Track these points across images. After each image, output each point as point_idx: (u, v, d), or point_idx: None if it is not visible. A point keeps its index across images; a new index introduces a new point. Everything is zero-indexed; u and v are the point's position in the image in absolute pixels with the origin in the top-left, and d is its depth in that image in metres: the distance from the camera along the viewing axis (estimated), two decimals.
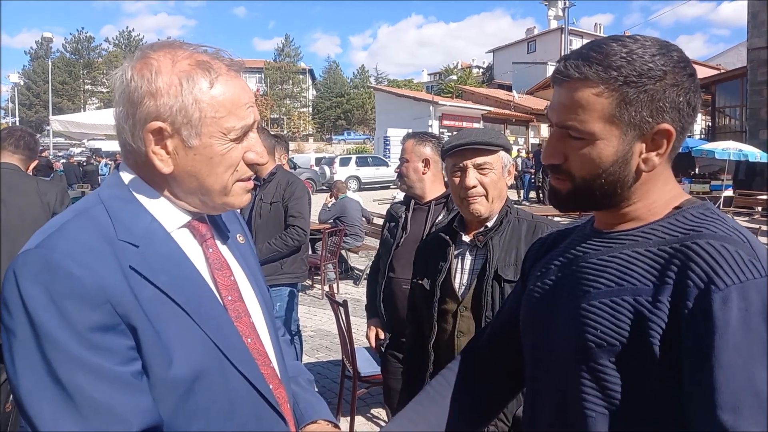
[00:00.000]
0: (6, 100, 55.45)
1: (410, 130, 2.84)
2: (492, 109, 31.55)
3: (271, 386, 1.01)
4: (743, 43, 20.65)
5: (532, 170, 18.84)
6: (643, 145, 0.88)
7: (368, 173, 24.41)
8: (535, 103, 32.83)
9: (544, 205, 16.93)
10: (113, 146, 24.01)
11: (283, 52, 63.87)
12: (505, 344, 1.15)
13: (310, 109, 64.08)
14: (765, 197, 14.36)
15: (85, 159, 22.37)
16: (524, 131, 32.46)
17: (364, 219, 8.91)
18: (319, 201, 8.44)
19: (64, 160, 21.61)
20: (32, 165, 2.97)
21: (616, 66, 0.85)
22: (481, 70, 64.10)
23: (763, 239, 8.21)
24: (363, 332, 4.52)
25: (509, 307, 1.18)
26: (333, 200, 8.79)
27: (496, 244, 1.77)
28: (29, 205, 2.73)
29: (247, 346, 0.99)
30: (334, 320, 3.97)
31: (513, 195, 18.48)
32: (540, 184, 18.47)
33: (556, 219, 6.37)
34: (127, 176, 0.98)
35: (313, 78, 69.22)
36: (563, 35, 24.34)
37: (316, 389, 1.27)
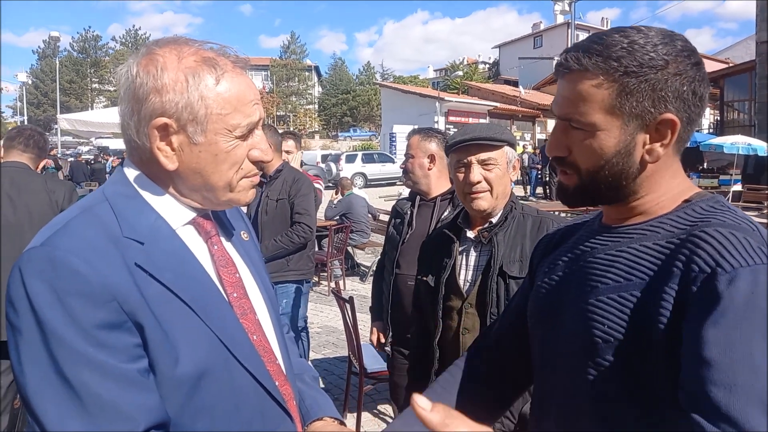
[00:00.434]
0: (14, 99, 55.78)
1: (416, 127, 2.84)
2: (498, 104, 31.44)
3: (276, 383, 1.01)
4: (752, 37, 20.46)
5: (539, 166, 18.76)
6: (647, 136, 0.87)
7: (374, 170, 24.39)
8: (541, 98, 32.66)
9: (551, 200, 16.86)
10: (121, 144, 24.09)
11: (288, 50, 63.86)
12: (513, 341, 1.14)
13: (316, 106, 64.08)
14: None
15: (92, 157, 22.46)
16: (531, 127, 32.33)
17: (370, 216, 8.91)
18: (325, 198, 8.45)
19: (72, 159, 21.72)
20: (41, 164, 2.99)
21: (615, 57, 0.85)
22: (487, 65, 63.84)
23: None
24: (369, 329, 4.55)
25: (516, 303, 1.17)
26: (339, 197, 8.79)
27: (500, 240, 1.76)
28: (38, 204, 2.75)
29: (253, 343, 0.99)
30: (340, 317, 3.97)
31: (519, 191, 18.42)
32: (547, 179, 18.40)
33: (562, 215, 6.35)
34: (131, 173, 0.98)
35: (319, 75, 69.18)
36: (570, 30, 24.19)
37: (322, 386, 1.27)
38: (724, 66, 24.03)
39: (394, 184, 23.00)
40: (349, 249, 8.35)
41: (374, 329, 2.96)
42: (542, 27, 50.29)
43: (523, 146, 22.65)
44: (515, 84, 38.65)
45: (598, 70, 0.85)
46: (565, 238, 1.08)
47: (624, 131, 0.87)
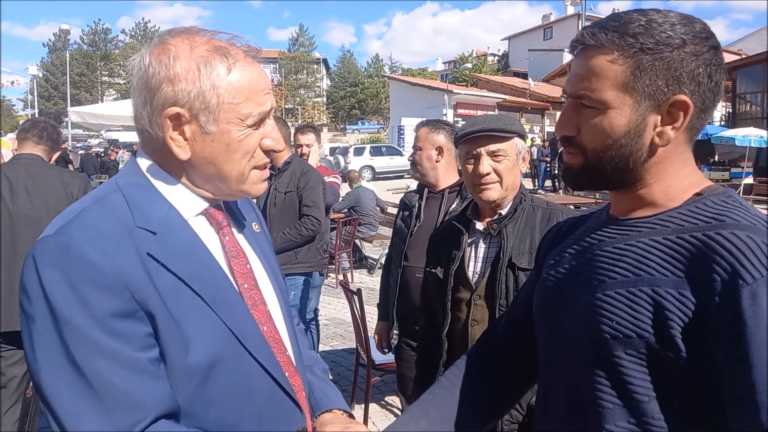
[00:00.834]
0: (25, 92, 56.19)
1: (424, 120, 2.82)
2: (507, 97, 31.27)
3: (286, 374, 1.01)
4: (765, 28, 20.16)
5: (548, 159, 18.65)
6: (658, 118, 0.85)
7: (382, 163, 24.37)
8: (551, 90, 32.44)
9: (560, 194, 16.78)
10: (131, 137, 24.20)
11: (297, 42, 63.74)
12: (520, 334, 1.13)
13: (324, 98, 64.01)
14: None
15: (102, 150, 22.56)
16: (540, 119, 32.13)
17: (378, 208, 8.91)
18: (341, 192, 8.46)
19: (82, 152, 21.84)
20: (55, 156, 3.02)
21: (632, 33, 0.83)
22: (497, 57, 63.43)
23: None
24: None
25: (524, 296, 1.16)
26: (347, 189, 8.80)
27: (510, 231, 1.75)
28: (53, 195, 2.77)
29: (263, 334, 0.99)
30: (348, 308, 3.99)
31: (528, 184, 18.33)
32: (555, 172, 18.29)
33: (572, 208, 6.31)
34: (144, 163, 0.99)
35: (328, 68, 69.04)
36: (580, 21, 23.98)
37: (331, 377, 1.28)
38: (737, 57, 23.72)
39: (402, 177, 22.96)
40: (357, 242, 8.36)
41: (377, 332, 2.96)
42: (552, 19, 49.84)
43: (532, 139, 22.53)
44: (524, 76, 38.40)
45: (613, 45, 0.84)
46: (572, 229, 1.07)
47: (635, 111, 0.85)
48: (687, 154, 0.90)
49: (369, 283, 7.44)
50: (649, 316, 0.81)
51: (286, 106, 55.63)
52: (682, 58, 0.83)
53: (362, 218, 8.16)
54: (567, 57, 37.33)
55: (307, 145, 4.13)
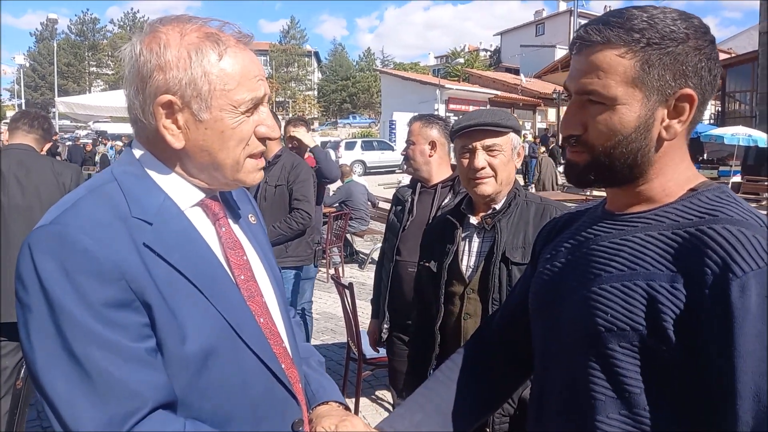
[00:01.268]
0: (12, 82, 55.40)
1: (416, 115, 2.82)
2: (499, 92, 31.33)
3: (283, 365, 1.01)
4: (755, 27, 20.35)
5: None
6: (665, 111, 0.86)
7: (374, 157, 24.34)
8: (542, 86, 32.54)
9: (550, 189, 16.84)
10: (119, 128, 23.95)
11: (288, 35, 63.39)
12: (515, 328, 1.14)
13: (316, 92, 63.77)
14: None
15: (91, 141, 22.29)
16: (531, 115, 32.24)
17: (369, 203, 8.91)
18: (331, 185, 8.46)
19: (70, 143, 21.59)
20: (46, 146, 2.99)
21: (638, 28, 0.84)
22: (489, 53, 63.49)
23: None
24: (367, 315, 4.55)
25: (520, 290, 1.17)
26: (338, 184, 8.78)
27: (504, 226, 1.76)
28: (45, 185, 2.75)
29: (260, 326, 0.99)
30: (338, 303, 3.99)
31: (518, 180, 18.35)
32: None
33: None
34: (139, 153, 0.98)
35: (319, 61, 68.75)
36: (572, 18, 24.05)
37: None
38: (727, 56, 23.92)
39: (393, 171, 22.96)
40: (348, 236, 8.35)
41: (370, 330, 2.97)
42: (544, 15, 49.95)
43: (524, 135, 22.60)
44: (516, 72, 38.46)
45: (621, 41, 0.84)
46: (567, 224, 1.08)
47: (644, 105, 0.85)
48: (685, 148, 0.92)
49: (360, 277, 7.44)
50: (643, 310, 0.82)
51: (277, 99, 55.35)
52: (687, 52, 0.84)
53: (353, 213, 8.16)
54: (559, 53, 37.49)
55: (298, 139, 4.11)
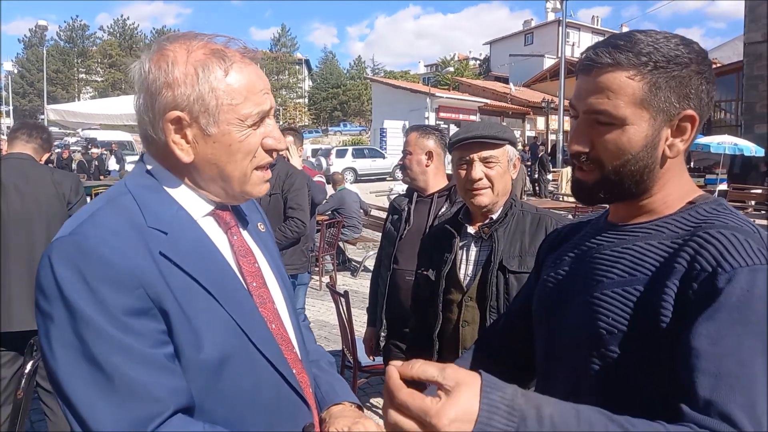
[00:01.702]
0: None
1: (407, 122, 2.88)
2: (488, 101, 31.53)
3: (294, 371, 1.04)
4: (740, 37, 20.67)
5: (528, 163, 18.87)
6: (669, 131, 0.91)
7: (365, 165, 24.39)
8: (531, 95, 32.82)
9: (540, 198, 16.99)
10: (108, 136, 23.84)
11: (279, 42, 63.55)
12: (518, 334, 1.18)
13: (306, 100, 63.82)
14: (759, 191, 14.45)
15: (81, 149, 22.08)
16: (521, 124, 32.46)
17: (362, 211, 8.93)
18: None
19: (59, 150, 21.39)
20: (44, 156, 3.00)
21: (645, 52, 0.88)
22: (478, 62, 63.91)
23: None
24: (361, 323, 4.56)
25: (524, 297, 1.21)
26: (331, 192, 8.80)
27: (501, 235, 1.81)
28: (45, 195, 2.75)
29: (271, 332, 1.02)
30: (332, 311, 4.01)
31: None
32: (536, 177, 18.52)
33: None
34: (150, 166, 1.01)
35: (309, 69, 68.88)
36: (561, 27, 24.32)
37: None
38: (713, 66, 24.21)
39: (384, 179, 23.02)
40: (341, 244, 8.37)
41: (366, 338, 3.00)
42: (533, 24, 50.45)
43: None
44: (506, 81, 38.72)
45: (630, 64, 0.88)
46: (570, 234, 1.12)
47: (651, 125, 0.90)
48: (683, 164, 0.97)
49: (353, 285, 7.45)
50: (642, 312, 0.86)
51: None
52: (690, 75, 0.89)
53: (346, 220, 8.18)
54: (547, 62, 37.85)
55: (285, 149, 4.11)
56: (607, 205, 1.04)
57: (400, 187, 14.31)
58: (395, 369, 0.67)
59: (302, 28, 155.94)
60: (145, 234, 0.91)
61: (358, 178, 22.75)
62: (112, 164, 19.66)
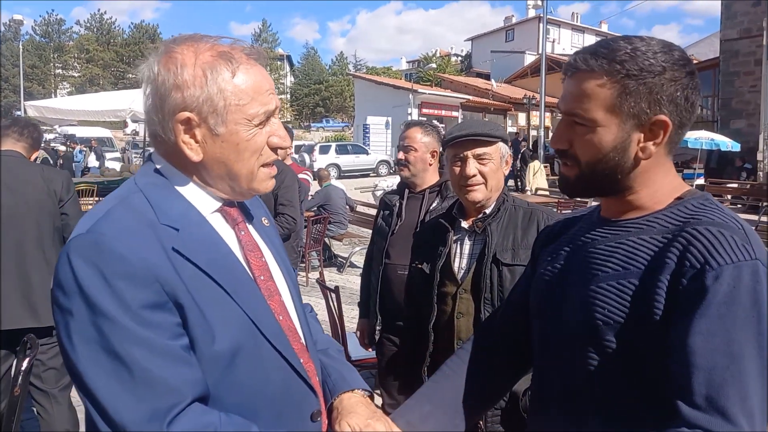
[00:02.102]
0: None
1: (390, 119, 2.89)
2: (471, 97, 31.65)
3: (301, 360, 1.08)
4: (716, 34, 21.05)
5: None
6: (641, 135, 0.97)
7: (348, 161, 24.40)
8: (513, 91, 33.02)
9: (522, 193, 17.14)
10: (87, 132, 23.49)
11: (260, 38, 62.97)
12: (516, 326, 1.23)
13: (288, 96, 63.44)
14: (735, 186, 14.79)
15: (60, 145, 21.69)
16: (502, 120, 32.67)
17: (347, 207, 8.95)
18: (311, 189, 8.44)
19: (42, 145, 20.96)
20: (34, 155, 2.98)
21: (619, 60, 0.94)
22: (460, 58, 64.17)
23: None
24: (351, 318, 4.61)
25: (520, 290, 1.26)
26: (317, 188, 8.80)
27: (494, 229, 1.86)
28: (35, 192, 2.73)
29: (279, 323, 1.06)
30: (319, 306, 4.03)
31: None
32: (518, 173, 18.67)
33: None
34: (159, 165, 1.04)
35: (291, 64, 68.46)
36: (541, 24, 24.52)
37: None
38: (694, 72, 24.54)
39: (368, 175, 23.04)
40: (327, 240, 8.38)
41: (359, 329, 3.03)
42: (514, 20, 50.74)
43: None
44: (487, 77, 38.93)
45: (603, 71, 0.95)
46: (564, 229, 1.18)
47: (621, 129, 0.96)
48: (669, 164, 1.02)
49: (339, 281, 7.47)
50: (636, 303, 0.92)
51: None
52: (662, 83, 0.94)
53: (332, 217, 8.19)
54: (528, 59, 38.07)
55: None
56: (586, 199, 1.10)
57: (385, 183, 14.29)
58: None
59: (283, 23, 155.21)
60: (158, 231, 0.94)
61: (342, 174, 22.73)
62: (92, 161, 19.36)
